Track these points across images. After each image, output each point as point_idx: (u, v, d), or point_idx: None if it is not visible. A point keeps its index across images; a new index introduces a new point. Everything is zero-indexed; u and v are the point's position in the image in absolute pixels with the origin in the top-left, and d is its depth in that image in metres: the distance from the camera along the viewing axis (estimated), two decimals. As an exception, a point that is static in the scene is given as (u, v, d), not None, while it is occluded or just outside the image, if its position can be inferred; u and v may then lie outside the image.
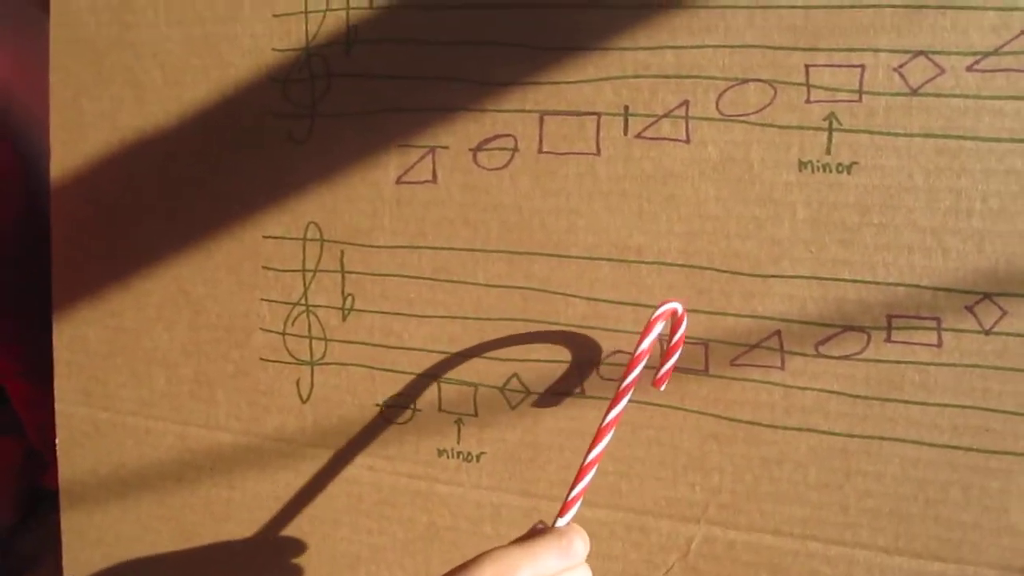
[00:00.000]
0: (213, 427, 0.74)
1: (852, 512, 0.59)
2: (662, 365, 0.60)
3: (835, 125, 0.57)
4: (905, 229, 0.56)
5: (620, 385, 0.57)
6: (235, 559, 0.75)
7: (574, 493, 0.55)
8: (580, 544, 0.53)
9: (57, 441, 0.79)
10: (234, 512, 0.75)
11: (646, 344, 0.57)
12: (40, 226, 0.80)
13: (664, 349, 0.60)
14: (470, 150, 0.64)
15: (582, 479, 0.56)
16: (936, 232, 0.56)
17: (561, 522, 0.55)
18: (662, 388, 0.60)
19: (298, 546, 0.73)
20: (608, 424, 0.57)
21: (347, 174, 0.67)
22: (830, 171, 0.57)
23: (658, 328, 0.58)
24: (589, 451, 0.56)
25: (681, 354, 0.60)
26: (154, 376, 0.76)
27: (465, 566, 0.50)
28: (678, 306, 0.58)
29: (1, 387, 0.90)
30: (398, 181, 0.66)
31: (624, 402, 0.57)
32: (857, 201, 0.57)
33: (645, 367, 0.57)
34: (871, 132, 0.56)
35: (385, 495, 0.70)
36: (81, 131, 0.75)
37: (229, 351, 0.73)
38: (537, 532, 0.55)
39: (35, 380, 0.87)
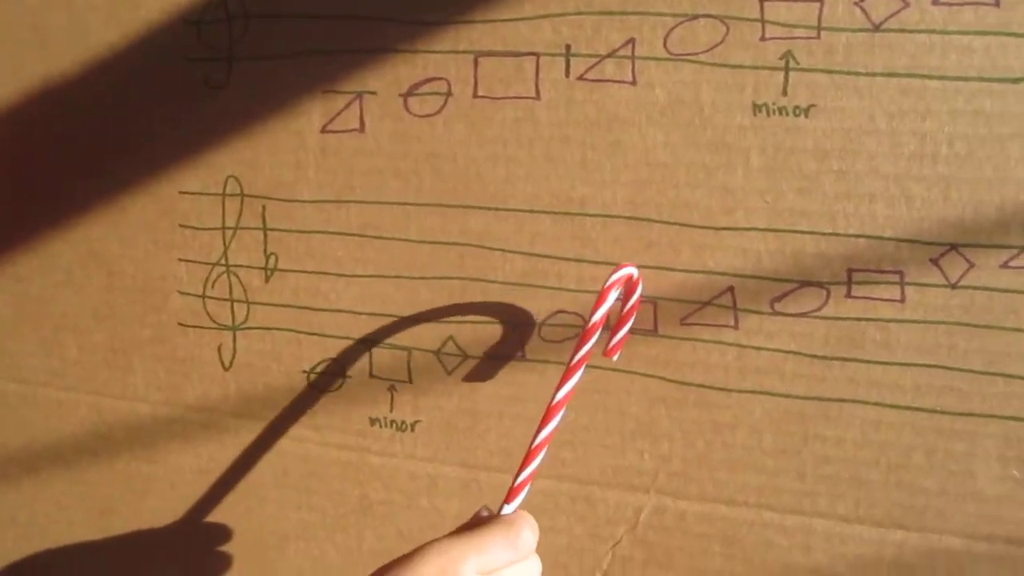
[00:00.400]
0: (130, 397, 0.69)
1: (809, 479, 0.56)
2: (614, 334, 0.55)
3: (792, 64, 0.53)
4: (866, 176, 0.52)
5: (572, 359, 0.53)
6: (156, 537, 0.71)
7: (522, 477, 0.51)
8: (529, 534, 0.49)
9: (-36, 415, 0.74)
10: (154, 487, 0.70)
11: (599, 314, 0.53)
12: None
13: (619, 315, 0.55)
14: (400, 95, 0.59)
15: (531, 462, 0.52)
16: (899, 179, 0.52)
17: (508, 509, 0.51)
18: (615, 358, 0.56)
19: (222, 521, 0.68)
20: (559, 403, 0.52)
21: (268, 123, 0.62)
22: (786, 114, 0.53)
23: (612, 296, 0.53)
24: (538, 431, 0.52)
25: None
26: (65, 344, 0.70)
27: (407, 557, 0.46)
28: (633, 271, 0.54)
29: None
30: (323, 130, 0.61)
31: (576, 378, 0.53)
32: (815, 146, 0.53)
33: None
34: (830, 71, 0.52)
35: (314, 467, 0.65)
36: (-19, 80, 0.69)
37: (145, 315, 0.68)
38: (482, 520, 0.51)
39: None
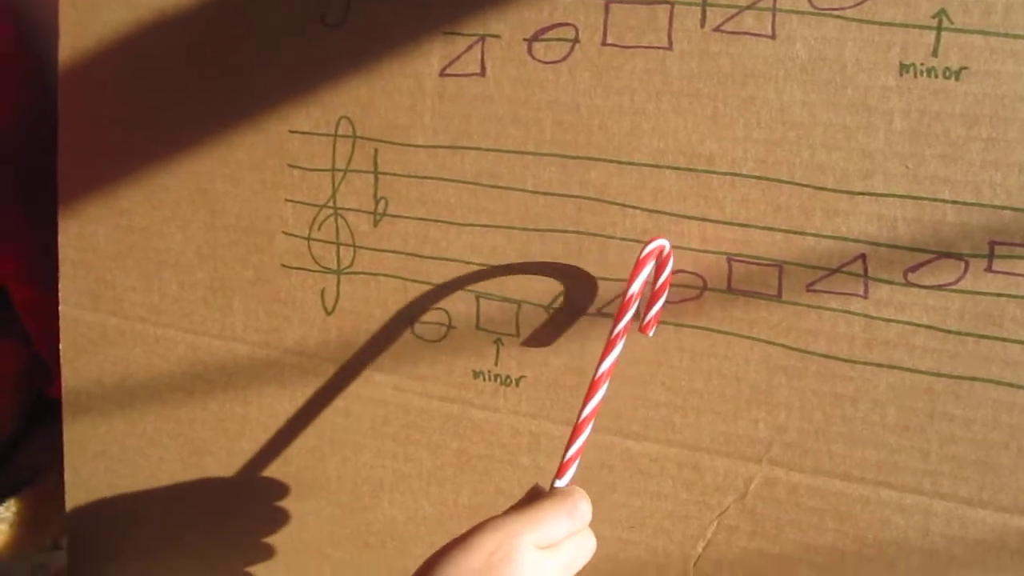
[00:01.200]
0: (228, 337, 0.69)
1: (933, 459, 0.54)
2: (648, 309, 0.55)
3: (945, 24, 0.50)
4: (1018, 145, 0.50)
5: (611, 332, 0.53)
6: (247, 479, 0.70)
7: (571, 452, 0.52)
8: (585, 506, 0.50)
9: (61, 347, 0.74)
10: (248, 429, 0.70)
11: (636, 286, 0.53)
12: (46, 115, 0.74)
13: (653, 290, 0.55)
14: (524, 40, 0.57)
15: (579, 436, 0.52)
16: (1054, 149, 0.49)
17: (560, 483, 0.52)
18: (651, 333, 0.55)
19: (316, 469, 0.68)
20: (601, 375, 0.52)
21: (385, 64, 0.61)
22: (935, 76, 0.50)
23: (647, 268, 0.53)
24: (584, 406, 0.52)
25: (752, 276, 0.54)
26: (166, 280, 0.70)
27: (464, 536, 0.47)
28: (665, 243, 0.54)
29: (3, 288, 0.84)
30: (442, 73, 0.59)
31: (617, 351, 0.53)
32: (964, 111, 0.50)
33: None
34: (986, 33, 0.49)
35: (413, 418, 0.64)
36: (93, 10, 0.68)
37: (248, 256, 0.67)
38: (536, 495, 0.51)
39: (39, 282, 0.81)
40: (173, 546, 0.75)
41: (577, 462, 0.52)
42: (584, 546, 0.50)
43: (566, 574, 0.48)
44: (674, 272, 0.56)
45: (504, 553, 0.45)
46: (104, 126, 0.69)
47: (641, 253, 0.53)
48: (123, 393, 0.73)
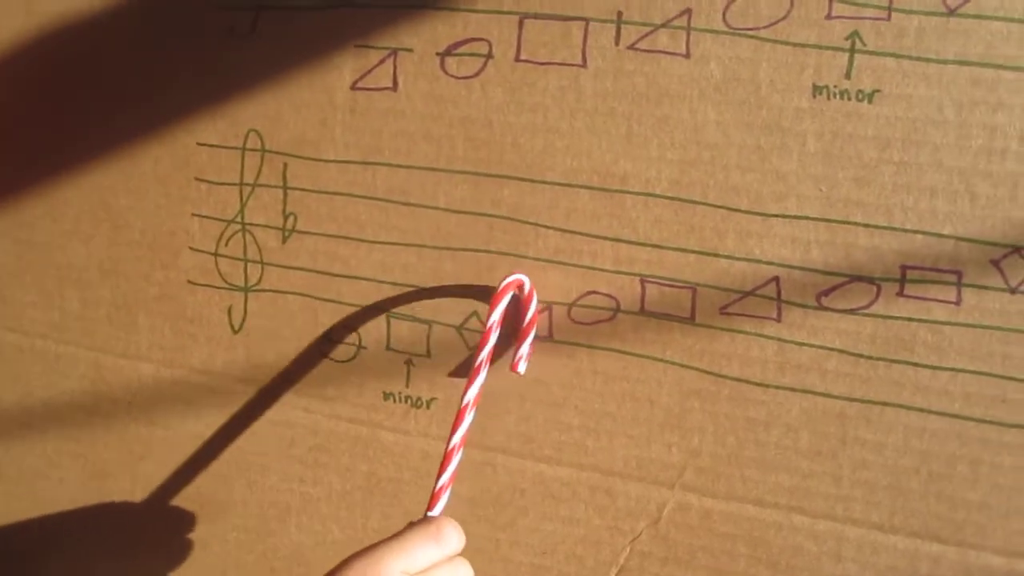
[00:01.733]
0: (132, 356, 0.66)
1: (845, 484, 0.53)
2: (517, 348, 0.55)
3: (858, 46, 0.50)
4: (929, 169, 0.49)
5: (474, 362, 0.54)
6: (151, 502, 0.68)
7: (442, 481, 0.52)
8: (451, 531, 0.49)
9: (-42, 363, 0.71)
10: (153, 451, 0.67)
11: (493, 318, 0.54)
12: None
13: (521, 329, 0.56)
14: (437, 54, 0.56)
15: (448, 465, 0.52)
16: (964, 174, 0.49)
17: (432, 514, 0.51)
18: (520, 371, 0.55)
19: (221, 492, 0.66)
20: (466, 405, 0.53)
21: (295, 76, 0.59)
22: (848, 98, 0.50)
23: (504, 301, 0.55)
24: (451, 435, 0.52)
25: (665, 298, 0.53)
26: (67, 297, 0.67)
27: (332, 571, 0.47)
28: (524, 279, 0.55)
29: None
30: (353, 87, 0.58)
31: (479, 381, 0.53)
32: (877, 134, 0.50)
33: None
34: (898, 56, 0.49)
35: (321, 440, 0.63)
36: (-6, 15, 0.65)
37: (153, 272, 0.65)
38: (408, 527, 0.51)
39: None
40: (78, 572, 0.72)
41: (448, 492, 0.51)
42: (458, 571, 0.49)
43: None
44: (588, 293, 0.55)
45: None
46: (4, 137, 0.66)
47: (499, 286, 0.54)
48: (22, 412, 0.70)
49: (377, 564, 0.46)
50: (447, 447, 0.52)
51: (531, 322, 0.55)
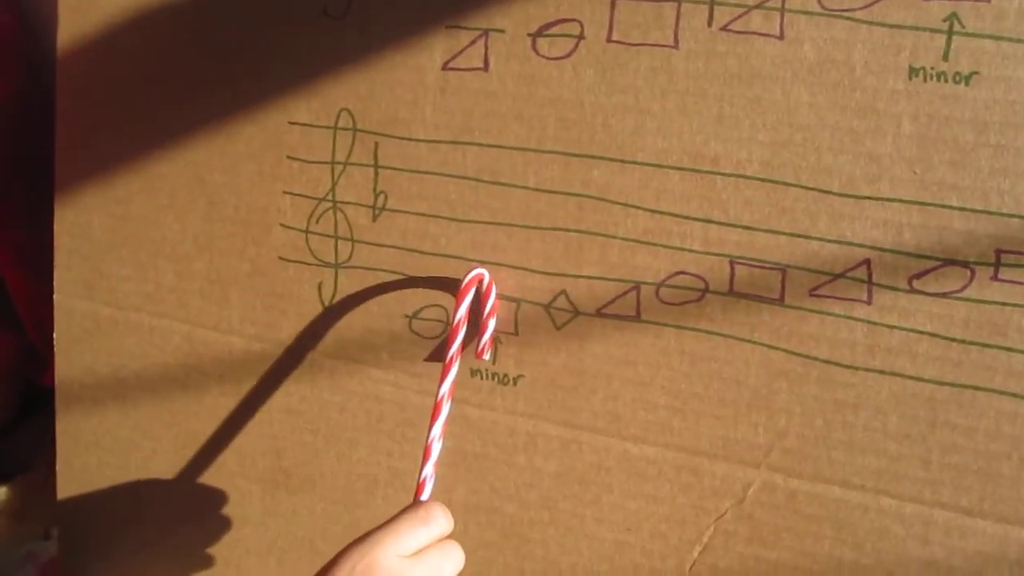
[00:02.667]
0: (224, 330, 0.68)
1: (934, 467, 0.53)
2: (480, 338, 0.59)
3: (956, 28, 0.49)
4: (1027, 152, 0.49)
5: (445, 357, 0.57)
6: (240, 473, 0.69)
7: (425, 471, 0.54)
8: (439, 513, 0.52)
9: (54, 336, 0.73)
10: (243, 424, 0.69)
11: (460, 314, 0.57)
12: (44, 100, 0.73)
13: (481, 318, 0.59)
14: (529, 35, 0.57)
15: (429, 457, 0.55)
16: (1063, 157, 0.48)
17: (421, 499, 0.54)
18: (485, 357, 0.59)
19: (310, 464, 0.67)
20: (441, 399, 0.56)
21: (387, 56, 0.60)
22: (945, 80, 0.50)
23: (469, 296, 0.57)
24: (430, 427, 0.55)
25: (754, 279, 0.54)
26: (162, 270, 0.69)
27: (329, 563, 0.49)
28: (484, 273, 0.58)
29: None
30: (444, 67, 0.59)
31: (452, 375, 0.57)
32: (974, 117, 0.49)
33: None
34: (998, 38, 0.49)
35: (409, 415, 0.64)
36: (93, -2, 0.67)
37: (246, 247, 0.66)
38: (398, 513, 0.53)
39: (33, 270, 0.81)
40: (165, 540, 0.74)
41: (432, 480, 0.54)
42: (449, 553, 0.51)
43: None
44: (676, 273, 0.55)
45: (366, 564, 0.48)
46: (101, 115, 0.68)
47: (462, 282, 0.58)
48: (117, 383, 0.72)
49: (372, 549, 0.48)
50: (427, 440, 0.55)
51: (491, 312, 0.59)
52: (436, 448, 0.55)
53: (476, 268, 0.58)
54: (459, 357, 0.57)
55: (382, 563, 0.48)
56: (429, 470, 0.54)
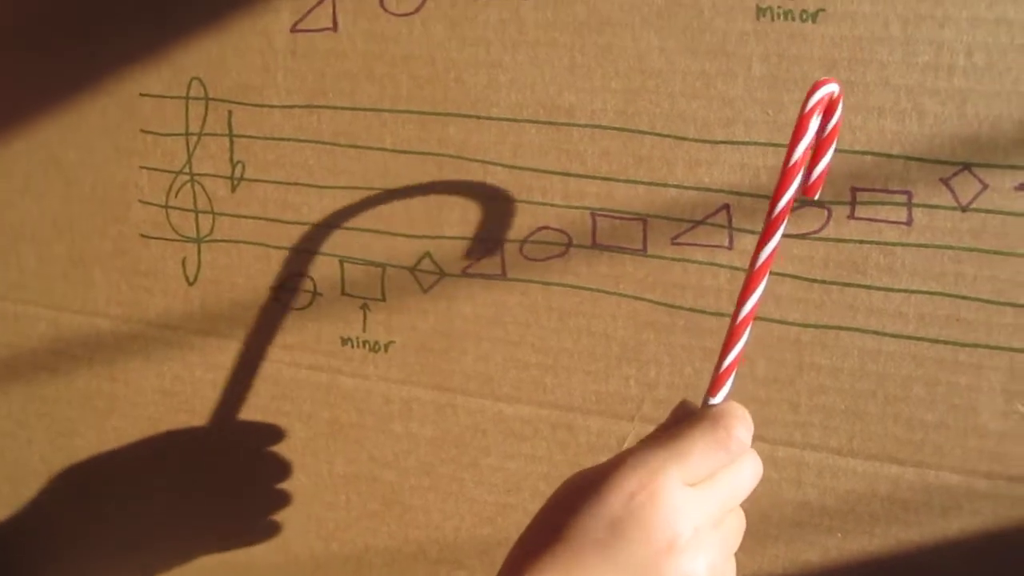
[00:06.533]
0: (90, 312, 0.66)
1: (803, 410, 0.53)
2: (813, 165, 0.41)
3: (800, -37, 0.48)
4: (876, 88, 0.48)
5: (772, 212, 0.41)
6: (118, 457, 0.68)
7: (727, 361, 0.42)
8: (741, 429, 0.40)
9: (-83, 327, 0.71)
10: (117, 406, 0.67)
11: (800, 151, 0.40)
12: None
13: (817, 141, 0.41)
14: (376, -9, 0.55)
15: (736, 341, 0.42)
16: (912, 92, 0.48)
17: (714, 401, 0.42)
18: (816, 196, 0.42)
19: (188, 444, 0.65)
20: (763, 266, 0.41)
21: (235, 21, 0.58)
22: (793, 19, 0.49)
23: (814, 125, 0.40)
24: (741, 305, 0.41)
25: (616, 231, 0.53)
26: (23, 255, 0.67)
27: (598, 477, 0.40)
28: (835, 87, 0.40)
29: None
30: (293, 29, 0.57)
31: (779, 233, 0.41)
32: (823, 55, 0.49)
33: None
34: (842, -28, 0.48)
35: (283, 388, 0.62)
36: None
37: (106, 226, 0.64)
38: (683, 416, 0.43)
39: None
40: (48, 528, 0.72)
41: (734, 374, 0.42)
42: (745, 475, 0.41)
43: (722, 512, 0.40)
44: (539, 229, 0.55)
45: (647, 495, 0.38)
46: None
47: (806, 106, 0.40)
48: (-15, 373, 0.70)
49: (655, 475, 0.38)
50: (734, 320, 0.41)
51: (832, 133, 0.41)
52: (745, 333, 0.42)
53: (828, 83, 0.39)
54: (788, 213, 0.41)
55: (668, 496, 0.38)
56: (731, 359, 0.42)
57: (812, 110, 0.40)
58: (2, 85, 0.64)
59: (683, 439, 0.40)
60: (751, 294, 0.42)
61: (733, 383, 0.42)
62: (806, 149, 0.40)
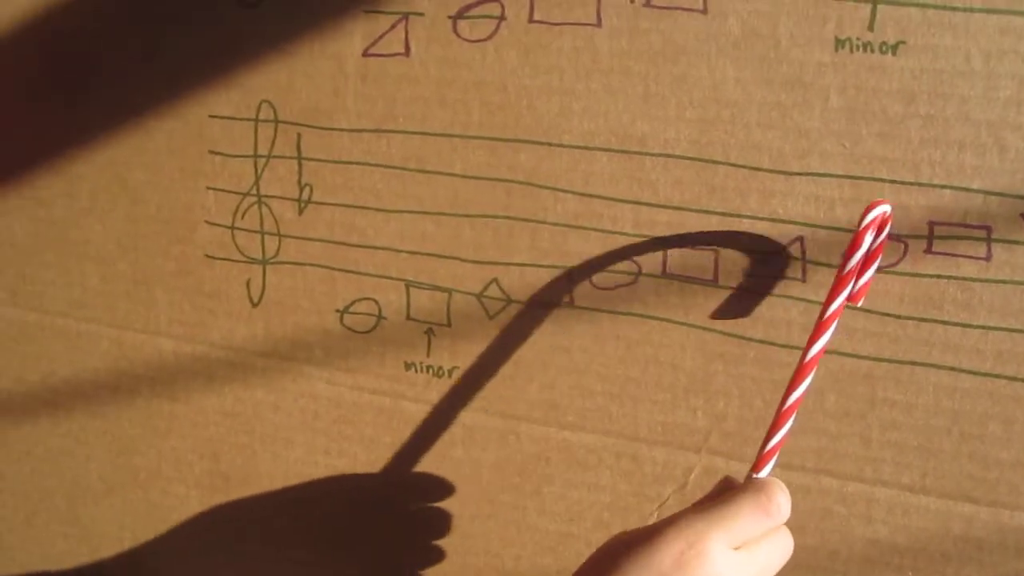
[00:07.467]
0: (152, 332, 0.66)
1: (874, 445, 0.52)
2: (860, 275, 0.48)
3: (881, -4, 0.48)
4: (956, 122, 0.48)
5: (824, 313, 0.47)
6: (177, 478, 0.68)
7: (773, 442, 0.46)
8: (783, 501, 0.44)
9: (-19, 344, 0.71)
10: (176, 426, 0.67)
11: (854, 261, 0.47)
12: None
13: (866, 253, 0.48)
14: (449, 18, 0.55)
15: (782, 425, 0.46)
16: (993, 126, 0.47)
17: (759, 476, 0.46)
18: (860, 304, 0.49)
19: (247, 466, 0.66)
20: (811, 360, 0.46)
21: (305, 45, 0.58)
22: (872, 51, 0.48)
23: (868, 240, 0.47)
24: (789, 393, 0.46)
25: (687, 261, 0.53)
26: (87, 273, 0.67)
27: (649, 535, 0.42)
28: (887, 207, 0.47)
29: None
30: (365, 53, 0.57)
31: (828, 334, 0.47)
32: (902, 88, 0.48)
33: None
34: (923, 5, 0.47)
35: (345, 412, 0.62)
36: (3, -10, 0.65)
37: (170, 246, 0.64)
38: (727, 487, 0.46)
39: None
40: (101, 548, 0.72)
41: (777, 455, 0.46)
42: (780, 546, 0.45)
43: None
44: (608, 257, 0.54)
45: (695, 553, 0.41)
46: (16, 113, 0.66)
47: (861, 223, 0.47)
48: (47, 391, 0.70)
49: (703, 537, 0.41)
50: (782, 406, 0.46)
51: (879, 247, 0.48)
52: (791, 418, 0.46)
53: (881, 204, 0.47)
54: (839, 315, 0.47)
55: (713, 557, 0.41)
56: (776, 441, 0.46)
57: (867, 227, 0.47)
58: (69, 105, 0.64)
59: (730, 505, 0.43)
60: (799, 385, 0.46)
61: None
62: (859, 260, 0.47)
